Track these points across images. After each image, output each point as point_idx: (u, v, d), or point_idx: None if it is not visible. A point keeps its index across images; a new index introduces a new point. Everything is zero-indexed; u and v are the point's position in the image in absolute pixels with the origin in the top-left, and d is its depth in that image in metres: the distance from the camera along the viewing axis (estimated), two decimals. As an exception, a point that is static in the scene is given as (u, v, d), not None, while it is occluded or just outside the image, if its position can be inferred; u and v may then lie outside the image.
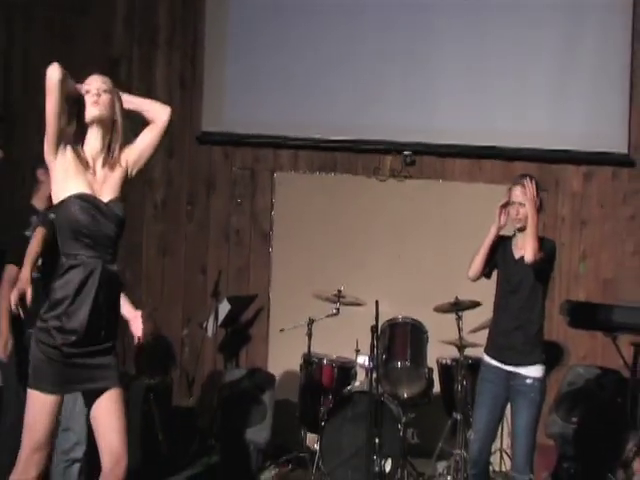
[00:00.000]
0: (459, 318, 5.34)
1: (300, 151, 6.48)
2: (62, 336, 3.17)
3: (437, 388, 5.62)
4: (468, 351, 5.38)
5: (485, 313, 5.21)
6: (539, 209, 4.29)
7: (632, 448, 5.17)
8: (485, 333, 5.28)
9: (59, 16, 6.61)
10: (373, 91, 6.31)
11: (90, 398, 3.29)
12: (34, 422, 3.20)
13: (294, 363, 5.83)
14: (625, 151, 6.13)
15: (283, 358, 6.17)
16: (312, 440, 5.54)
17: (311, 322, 5.58)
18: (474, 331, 5.39)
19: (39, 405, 3.19)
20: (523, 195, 4.24)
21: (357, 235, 6.28)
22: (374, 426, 5.08)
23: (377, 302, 5.18)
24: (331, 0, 6.32)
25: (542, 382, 4.24)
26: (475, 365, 5.48)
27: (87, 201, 3.19)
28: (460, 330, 5.33)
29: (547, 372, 5.73)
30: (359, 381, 5.52)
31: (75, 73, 6.25)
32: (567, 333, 6.00)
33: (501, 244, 4.37)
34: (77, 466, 4.37)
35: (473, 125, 6.23)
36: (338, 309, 5.54)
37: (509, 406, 4.33)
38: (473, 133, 6.23)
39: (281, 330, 5.72)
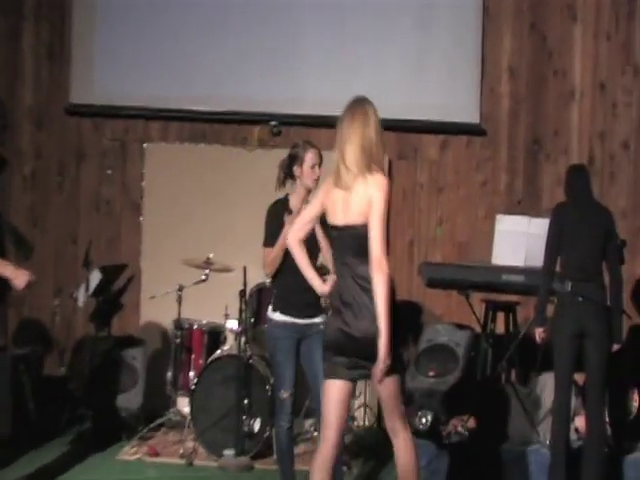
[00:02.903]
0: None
1: (170, 122, 6.36)
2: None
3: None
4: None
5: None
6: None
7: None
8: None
9: None
10: (240, 63, 6.24)
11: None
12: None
13: (165, 329, 5.92)
14: (477, 121, 6.21)
15: (154, 325, 6.14)
16: (183, 403, 5.51)
17: (181, 289, 5.55)
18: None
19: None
20: (317, 156, 4.32)
21: (226, 204, 6.21)
22: (243, 388, 5.10)
23: (245, 268, 5.15)
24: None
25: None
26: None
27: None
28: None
29: (407, 330, 5.95)
30: (229, 345, 5.52)
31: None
32: (425, 293, 6.07)
33: (279, 211, 4.36)
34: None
35: (336, 96, 5.94)
36: (207, 275, 5.52)
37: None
38: (337, 103, 6.01)
39: (151, 297, 5.68)
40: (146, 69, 6.24)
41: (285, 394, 4.26)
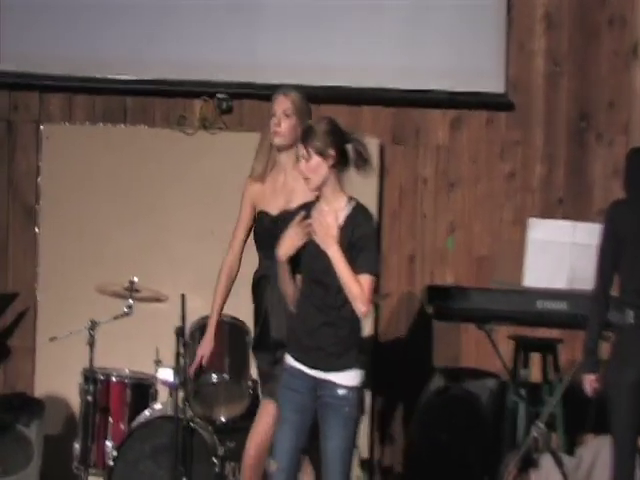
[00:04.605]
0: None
1: (76, 95, 6.46)
2: None
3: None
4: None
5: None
6: (337, 161, 4.18)
7: (511, 471, 5.33)
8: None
9: None
10: (174, 16, 6.37)
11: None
12: None
13: (71, 383, 5.77)
14: (502, 90, 6.31)
15: (56, 377, 6.16)
16: (97, 487, 5.61)
17: (94, 326, 5.55)
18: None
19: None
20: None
21: (156, 207, 6.29)
22: (181, 462, 5.15)
23: (183, 296, 5.22)
24: None
25: (359, 391, 4.32)
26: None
27: None
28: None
29: (409, 377, 6.22)
30: (161, 403, 5.57)
31: None
32: (432, 327, 6.17)
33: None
34: None
35: (307, 60, 6.35)
36: (131, 307, 5.57)
37: None
38: (307, 70, 6.31)
39: (52, 339, 5.69)
40: (43, 22, 6.31)
41: (273, 465, 4.28)
